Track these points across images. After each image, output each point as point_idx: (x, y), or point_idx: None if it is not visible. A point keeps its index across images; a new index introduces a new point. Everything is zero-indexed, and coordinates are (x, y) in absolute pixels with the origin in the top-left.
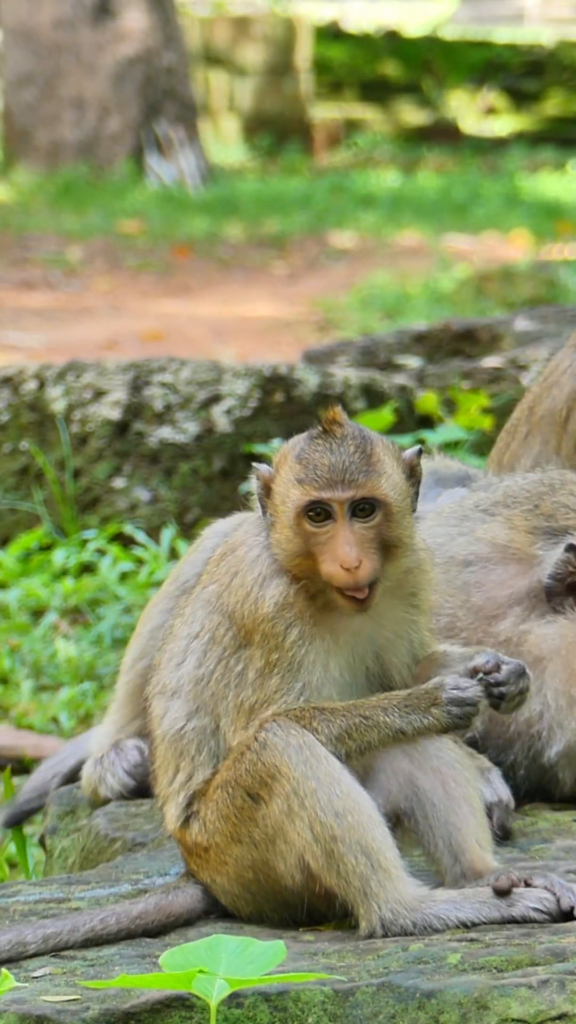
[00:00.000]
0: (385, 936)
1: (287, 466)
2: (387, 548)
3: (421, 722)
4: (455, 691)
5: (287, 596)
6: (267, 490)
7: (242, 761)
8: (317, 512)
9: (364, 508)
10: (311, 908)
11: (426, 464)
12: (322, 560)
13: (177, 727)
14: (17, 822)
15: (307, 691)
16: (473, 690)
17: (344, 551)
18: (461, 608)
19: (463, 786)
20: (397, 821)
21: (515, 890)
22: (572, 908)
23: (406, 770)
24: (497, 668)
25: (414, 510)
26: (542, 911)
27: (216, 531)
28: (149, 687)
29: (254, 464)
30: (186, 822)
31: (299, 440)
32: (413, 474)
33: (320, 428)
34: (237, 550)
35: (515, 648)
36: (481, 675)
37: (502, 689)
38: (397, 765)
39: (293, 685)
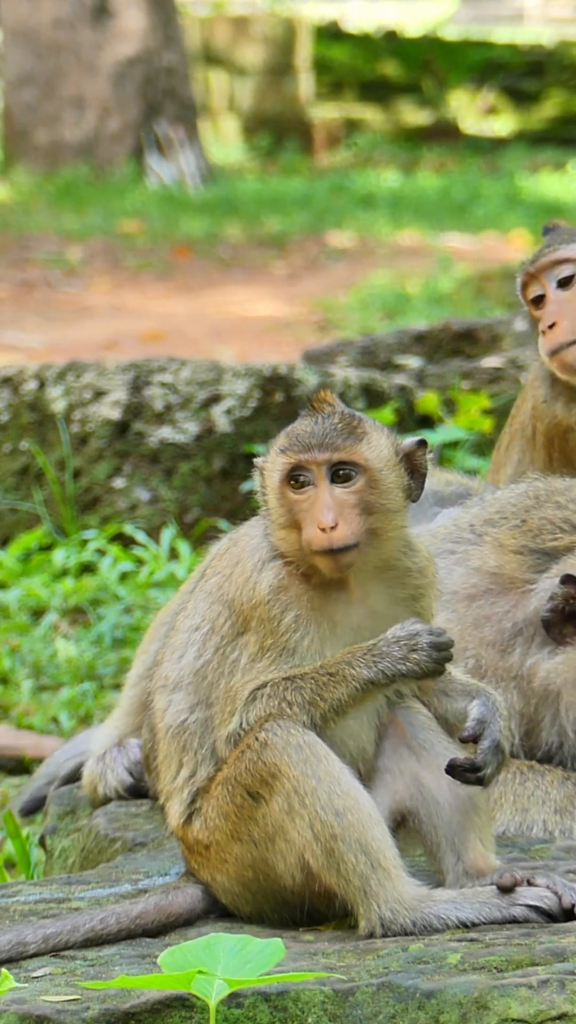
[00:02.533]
0: (385, 935)
1: (275, 444)
2: (371, 518)
3: (394, 668)
4: (432, 636)
5: (282, 579)
6: (261, 474)
7: (242, 759)
8: (298, 479)
9: (343, 472)
10: (311, 908)
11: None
12: (304, 527)
13: (180, 720)
14: (32, 811)
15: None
16: (447, 637)
17: (321, 512)
18: (480, 646)
19: (468, 786)
20: (401, 821)
21: (517, 889)
22: (573, 906)
23: (412, 769)
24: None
25: (410, 498)
26: (542, 911)
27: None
28: (151, 682)
29: (256, 458)
30: (188, 819)
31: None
32: (412, 464)
33: (310, 406)
34: (239, 542)
35: (527, 684)
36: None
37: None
38: (404, 765)
39: (281, 667)
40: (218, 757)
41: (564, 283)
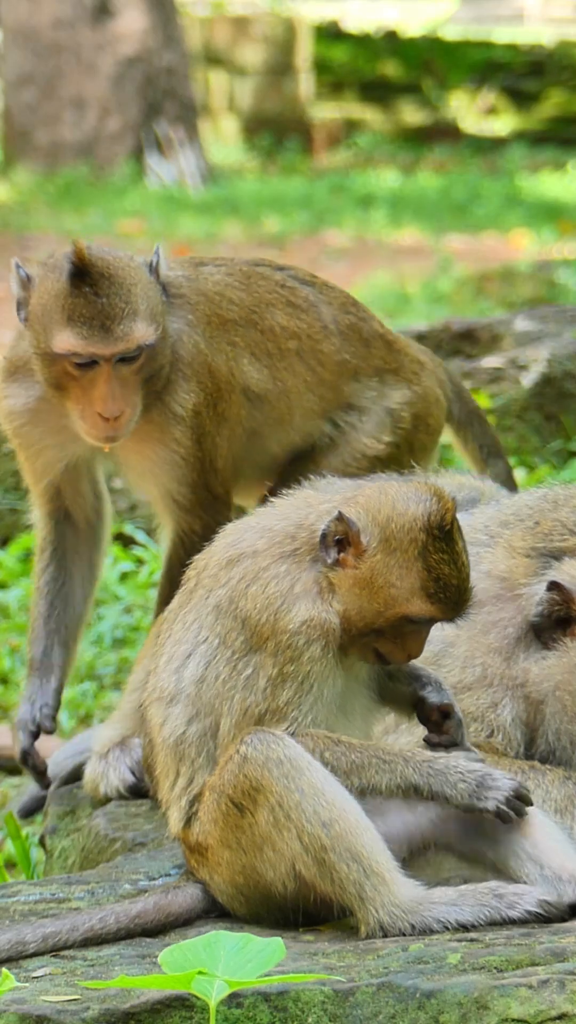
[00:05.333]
0: (385, 938)
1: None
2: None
3: (444, 792)
4: (511, 787)
5: (313, 617)
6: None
7: (225, 770)
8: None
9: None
10: (306, 912)
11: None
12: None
13: (178, 733)
14: (32, 812)
15: (317, 707)
16: (508, 785)
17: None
18: (487, 653)
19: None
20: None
21: (515, 891)
22: (572, 906)
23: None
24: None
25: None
26: (540, 913)
27: None
28: (145, 693)
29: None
30: (187, 823)
31: None
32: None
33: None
34: (254, 559)
35: (523, 691)
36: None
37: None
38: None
39: (305, 699)
40: (216, 764)
41: None
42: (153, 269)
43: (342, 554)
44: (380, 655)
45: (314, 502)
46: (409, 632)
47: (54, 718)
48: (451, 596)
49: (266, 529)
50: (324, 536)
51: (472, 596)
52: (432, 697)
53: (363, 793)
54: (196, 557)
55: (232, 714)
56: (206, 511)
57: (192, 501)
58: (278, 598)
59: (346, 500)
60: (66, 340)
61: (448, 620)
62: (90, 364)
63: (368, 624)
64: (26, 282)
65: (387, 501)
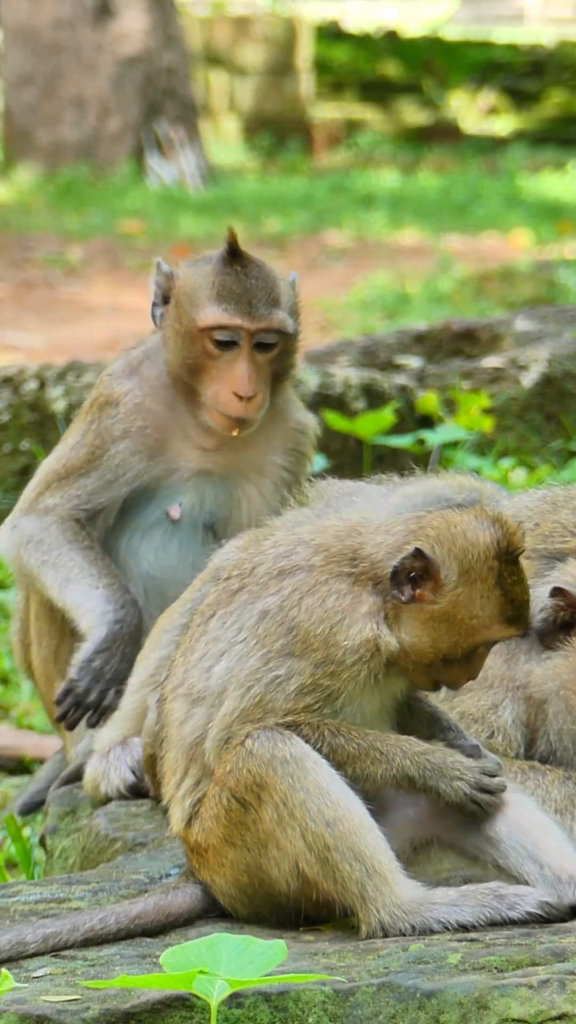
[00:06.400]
0: (385, 938)
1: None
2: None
3: (439, 786)
4: (492, 783)
5: (379, 643)
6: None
7: (230, 764)
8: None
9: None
10: (308, 913)
11: (439, 485)
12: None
13: (197, 735)
14: (30, 811)
15: (336, 714)
16: (498, 781)
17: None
18: (491, 654)
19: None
20: (424, 845)
21: (515, 891)
22: (573, 907)
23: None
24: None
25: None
26: (541, 914)
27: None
28: (168, 683)
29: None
30: (188, 822)
31: None
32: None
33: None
34: (310, 573)
35: (524, 692)
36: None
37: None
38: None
39: (324, 710)
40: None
41: None
42: (295, 290)
43: (418, 590)
44: (438, 682)
45: (364, 529)
46: (479, 655)
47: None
48: (524, 614)
49: (321, 547)
50: (396, 572)
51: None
52: (462, 743)
53: (358, 780)
54: (240, 558)
55: (243, 700)
56: None
57: None
58: (338, 613)
59: (411, 532)
60: (212, 313)
61: (520, 636)
62: (230, 344)
63: (443, 654)
64: (169, 276)
65: (459, 532)
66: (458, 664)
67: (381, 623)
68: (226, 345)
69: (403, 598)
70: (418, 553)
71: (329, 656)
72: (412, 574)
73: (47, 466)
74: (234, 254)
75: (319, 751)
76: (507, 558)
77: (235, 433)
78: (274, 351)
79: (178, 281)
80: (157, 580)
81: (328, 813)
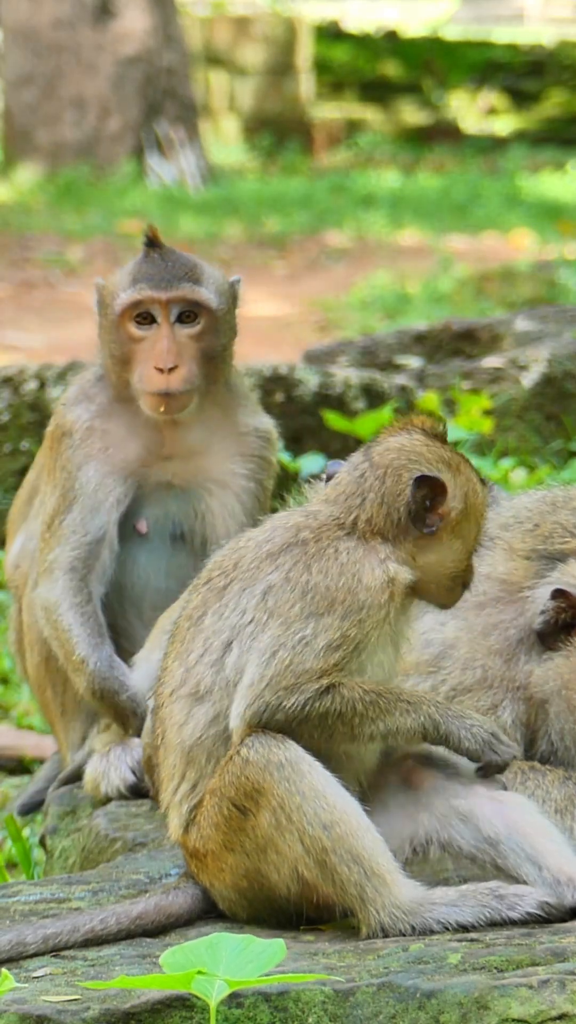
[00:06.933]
0: (385, 939)
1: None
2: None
3: (458, 730)
4: (502, 746)
5: (398, 578)
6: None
7: (227, 772)
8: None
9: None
10: (309, 915)
11: None
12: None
13: (195, 737)
14: (29, 811)
15: (358, 669)
16: (511, 755)
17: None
18: (488, 655)
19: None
20: (424, 850)
21: (515, 891)
22: (572, 908)
23: (449, 804)
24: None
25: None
26: (541, 915)
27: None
28: (165, 688)
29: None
30: (186, 828)
31: None
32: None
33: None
34: (305, 545)
35: (524, 692)
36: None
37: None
38: (435, 800)
39: (352, 663)
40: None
41: None
42: (233, 287)
43: (438, 511)
44: (462, 589)
45: (328, 500)
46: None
47: None
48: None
49: (302, 526)
50: (411, 510)
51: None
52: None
53: (385, 738)
54: (217, 560)
55: (269, 667)
56: None
57: None
58: (356, 563)
59: (387, 475)
60: (127, 295)
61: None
62: (150, 321)
63: (465, 561)
64: (101, 287)
65: (419, 446)
66: (469, 563)
67: (395, 563)
68: (145, 324)
69: (434, 528)
70: (422, 479)
71: (356, 603)
72: (427, 502)
73: (41, 519)
74: (152, 244)
75: (354, 708)
76: (449, 442)
77: (164, 411)
78: (197, 326)
79: (103, 287)
80: (130, 590)
81: (325, 816)
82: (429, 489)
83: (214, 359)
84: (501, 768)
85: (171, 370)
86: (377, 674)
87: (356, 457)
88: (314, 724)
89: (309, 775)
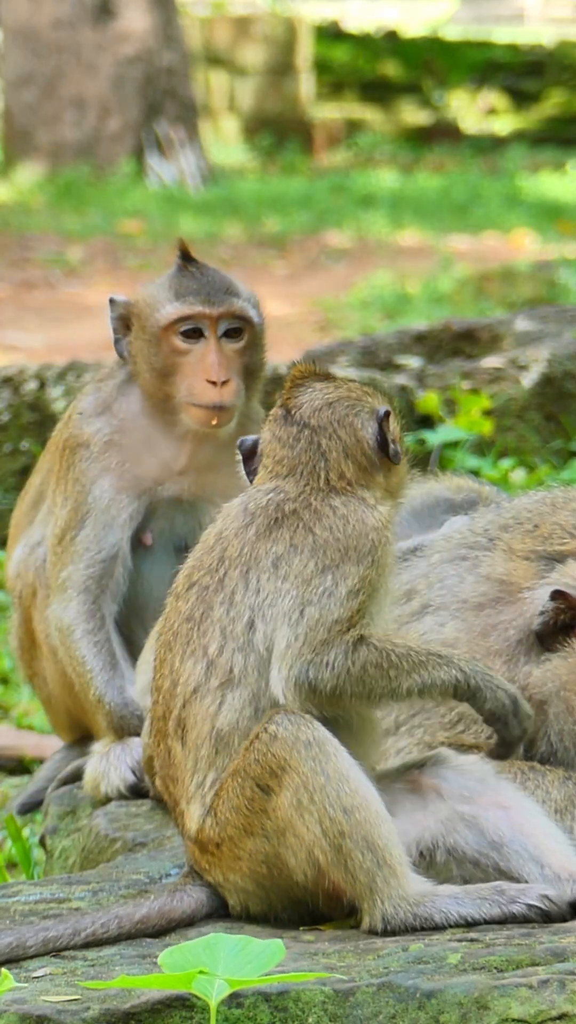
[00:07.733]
0: (386, 929)
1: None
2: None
3: (486, 690)
4: (524, 711)
5: (387, 519)
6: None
7: (251, 751)
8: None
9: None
10: (315, 908)
11: (437, 487)
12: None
13: (232, 721)
14: (29, 810)
15: (375, 610)
16: (526, 722)
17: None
18: (488, 656)
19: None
20: (430, 857)
21: (517, 888)
22: (572, 904)
23: (454, 810)
24: None
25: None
26: (541, 907)
27: None
28: (186, 688)
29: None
30: (203, 819)
31: None
32: None
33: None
34: (296, 514)
35: (523, 693)
36: None
37: None
38: (438, 805)
39: (371, 605)
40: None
41: None
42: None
43: (391, 438)
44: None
45: (283, 475)
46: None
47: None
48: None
49: (279, 502)
50: (381, 442)
51: None
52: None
53: (419, 694)
54: (194, 564)
55: (299, 626)
56: None
57: None
58: (356, 511)
59: (339, 427)
60: (174, 308)
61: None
62: (197, 336)
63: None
64: (126, 303)
65: (353, 389)
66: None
67: (381, 505)
68: (193, 338)
69: (400, 452)
70: (386, 414)
71: (366, 546)
72: (387, 434)
73: (51, 534)
74: (187, 259)
75: (390, 660)
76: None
77: (215, 425)
78: (242, 340)
79: (135, 302)
80: (134, 600)
81: (347, 800)
82: (384, 421)
83: (253, 373)
84: (514, 744)
85: (223, 384)
86: (380, 626)
87: (282, 430)
88: (356, 679)
89: (335, 757)
